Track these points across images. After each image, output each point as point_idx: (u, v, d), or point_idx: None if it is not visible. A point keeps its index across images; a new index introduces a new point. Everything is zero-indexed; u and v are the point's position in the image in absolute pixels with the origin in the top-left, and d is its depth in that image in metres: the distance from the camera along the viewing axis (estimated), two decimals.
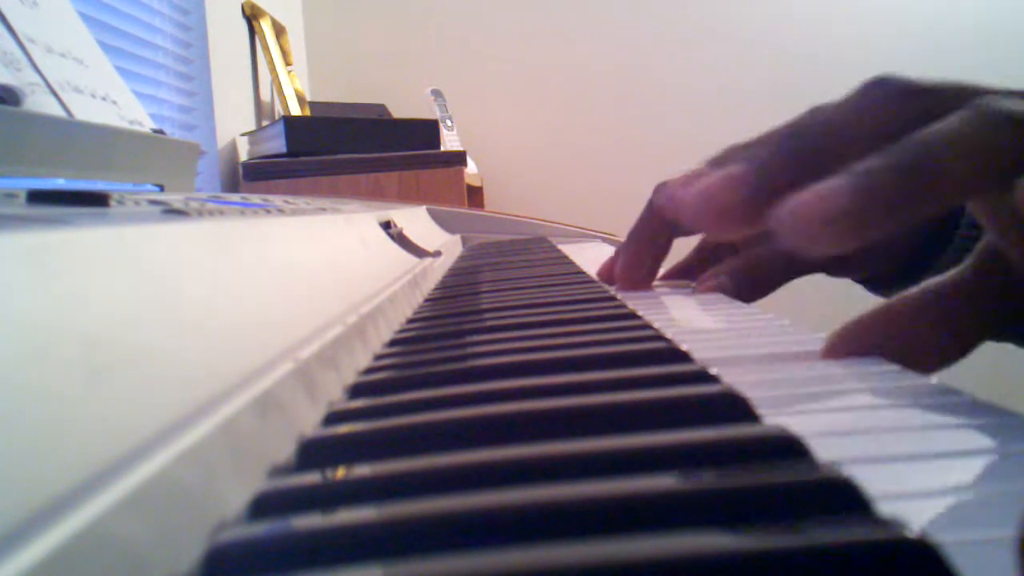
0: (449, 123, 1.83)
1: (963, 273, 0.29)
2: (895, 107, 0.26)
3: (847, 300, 0.53)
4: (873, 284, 0.46)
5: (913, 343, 0.28)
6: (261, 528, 0.14)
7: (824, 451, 0.16)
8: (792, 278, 0.49)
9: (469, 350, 0.31)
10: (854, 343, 0.28)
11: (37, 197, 0.31)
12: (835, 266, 0.48)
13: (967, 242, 0.41)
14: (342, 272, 0.40)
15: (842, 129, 0.26)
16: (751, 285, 0.48)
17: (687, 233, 0.54)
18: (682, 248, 0.56)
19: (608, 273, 0.57)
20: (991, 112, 0.24)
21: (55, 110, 0.65)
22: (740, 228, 0.26)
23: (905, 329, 0.28)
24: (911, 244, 0.44)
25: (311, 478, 0.17)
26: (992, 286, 0.28)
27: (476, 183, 1.86)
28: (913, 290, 0.29)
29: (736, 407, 0.20)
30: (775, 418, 0.19)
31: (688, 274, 0.58)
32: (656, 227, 0.51)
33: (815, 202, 0.23)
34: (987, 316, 0.28)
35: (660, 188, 0.52)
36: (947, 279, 0.29)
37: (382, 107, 1.87)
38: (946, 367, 0.29)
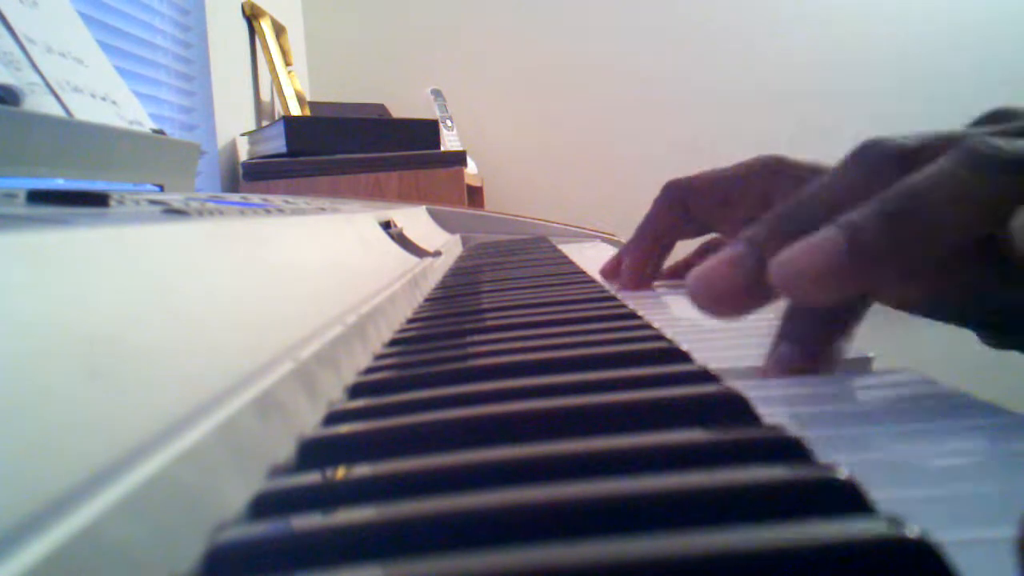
0: (449, 123, 1.83)
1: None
2: (887, 169, 0.26)
3: None
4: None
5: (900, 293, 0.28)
6: (261, 528, 0.14)
7: (824, 451, 0.16)
8: None
9: (469, 350, 0.31)
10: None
11: (37, 197, 0.31)
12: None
13: None
14: (342, 272, 0.40)
15: (833, 193, 0.26)
16: None
17: (693, 235, 0.54)
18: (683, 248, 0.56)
19: (612, 271, 0.57)
20: (977, 153, 0.24)
21: (55, 110, 0.65)
22: (747, 306, 0.26)
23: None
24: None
25: (311, 478, 0.17)
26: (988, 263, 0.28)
27: (476, 183, 1.86)
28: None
29: (736, 407, 0.20)
30: (775, 418, 0.19)
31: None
32: (663, 225, 0.51)
33: (805, 255, 0.23)
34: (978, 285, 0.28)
35: (669, 185, 0.52)
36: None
37: (382, 107, 1.87)
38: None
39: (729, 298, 0.26)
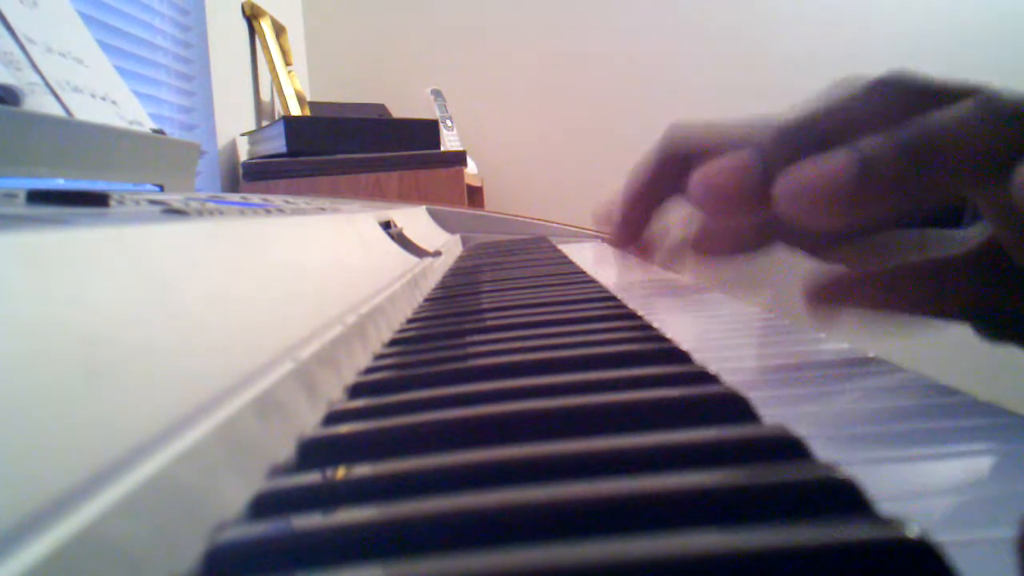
0: (449, 123, 1.83)
1: (965, 255, 0.29)
2: (903, 101, 0.26)
3: None
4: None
5: (900, 306, 0.28)
6: (261, 528, 0.14)
7: (824, 451, 0.16)
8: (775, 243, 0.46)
9: (469, 350, 0.31)
10: (841, 295, 0.27)
11: (37, 197, 0.31)
12: (822, 249, 0.45)
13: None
14: (342, 272, 0.40)
15: (848, 118, 0.26)
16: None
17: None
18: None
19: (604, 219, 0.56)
20: (995, 103, 0.24)
21: (55, 110, 0.65)
22: (745, 210, 0.26)
23: (898, 293, 0.28)
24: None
25: (311, 478, 0.17)
26: (989, 272, 0.28)
27: (476, 183, 1.86)
28: (912, 257, 0.29)
29: (736, 407, 0.20)
30: (775, 418, 0.19)
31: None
32: (659, 173, 0.50)
33: (815, 174, 0.24)
34: (981, 297, 0.29)
35: (670, 138, 0.50)
36: (950, 255, 0.29)
37: (382, 107, 1.87)
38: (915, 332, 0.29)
39: (727, 199, 0.26)
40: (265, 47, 1.67)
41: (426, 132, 1.51)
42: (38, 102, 0.64)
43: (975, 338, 0.31)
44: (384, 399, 0.23)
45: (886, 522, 0.12)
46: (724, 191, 0.26)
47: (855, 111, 0.27)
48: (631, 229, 0.52)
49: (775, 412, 0.21)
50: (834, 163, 0.24)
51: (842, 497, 0.14)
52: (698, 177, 0.26)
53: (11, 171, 0.55)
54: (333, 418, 0.22)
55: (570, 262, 0.67)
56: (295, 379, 0.22)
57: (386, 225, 0.62)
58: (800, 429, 0.17)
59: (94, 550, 0.11)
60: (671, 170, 0.50)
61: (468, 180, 1.57)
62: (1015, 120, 0.24)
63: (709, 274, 0.45)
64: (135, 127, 0.78)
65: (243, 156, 1.54)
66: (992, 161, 0.24)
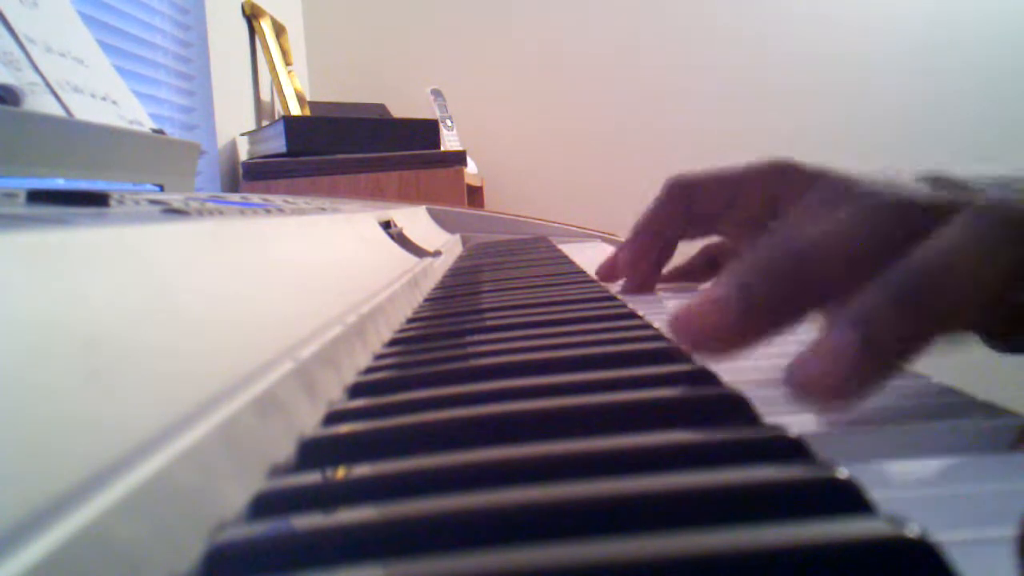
0: (449, 123, 1.83)
1: None
2: (892, 228, 0.25)
3: None
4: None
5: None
6: (261, 528, 0.14)
7: (824, 451, 0.16)
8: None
9: (469, 350, 0.31)
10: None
11: (37, 197, 0.31)
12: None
13: None
14: (342, 272, 0.40)
15: (831, 248, 0.25)
16: None
17: (693, 236, 0.53)
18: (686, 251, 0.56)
19: (608, 271, 0.57)
20: (987, 223, 0.23)
21: (55, 110, 0.65)
22: (727, 352, 0.25)
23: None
24: None
25: (311, 478, 0.17)
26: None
27: (476, 183, 1.86)
28: None
29: (736, 407, 0.20)
30: (775, 418, 0.19)
31: (691, 277, 0.57)
32: (664, 221, 0.50)
33: (823, 363, 0.22)
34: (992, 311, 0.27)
35: (672, 181, 0.50)
36: None
37: (382, 107, 1.87)
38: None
39: (709, 342, 0.25)
40: (265, 47, 1.66)
41: (426, 132, 1.51)
42: (38, 102, 0.64)
43: (975, 339, 0.31)
44: (384, 399, 0.23)
45: (886, 521, 0.12)
46: (704, 335, 0.25)
47: (839, 242, 0.25)
48: (639, 281, 0.52)
49: (774, 411, 0.21)
50: (838, 346, 0.22)
51: (842, 497, 0.14)
52: (676, 317, 0.25)
53: (11, 171, 0.55)
54: (333, 418, 0.22)
55: (570, 262, 0.67)
56: (295, 379, 0.22)
57: (386, 225, 0.62)
58: (799, 428, 0.17)
59: (94, 550, 0.11)
60: (674, 222, 0.50)
61: (468, 180, 1.57)
62: (1011, 237, 0.23)
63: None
64: (135, 127, 0.78)
65: (243, 156, 1.54)
66: (997, 287, 0.23)
